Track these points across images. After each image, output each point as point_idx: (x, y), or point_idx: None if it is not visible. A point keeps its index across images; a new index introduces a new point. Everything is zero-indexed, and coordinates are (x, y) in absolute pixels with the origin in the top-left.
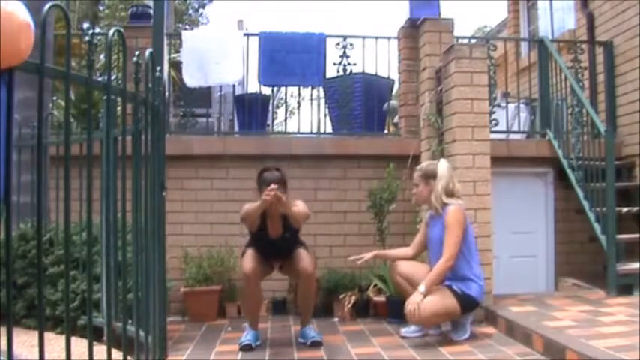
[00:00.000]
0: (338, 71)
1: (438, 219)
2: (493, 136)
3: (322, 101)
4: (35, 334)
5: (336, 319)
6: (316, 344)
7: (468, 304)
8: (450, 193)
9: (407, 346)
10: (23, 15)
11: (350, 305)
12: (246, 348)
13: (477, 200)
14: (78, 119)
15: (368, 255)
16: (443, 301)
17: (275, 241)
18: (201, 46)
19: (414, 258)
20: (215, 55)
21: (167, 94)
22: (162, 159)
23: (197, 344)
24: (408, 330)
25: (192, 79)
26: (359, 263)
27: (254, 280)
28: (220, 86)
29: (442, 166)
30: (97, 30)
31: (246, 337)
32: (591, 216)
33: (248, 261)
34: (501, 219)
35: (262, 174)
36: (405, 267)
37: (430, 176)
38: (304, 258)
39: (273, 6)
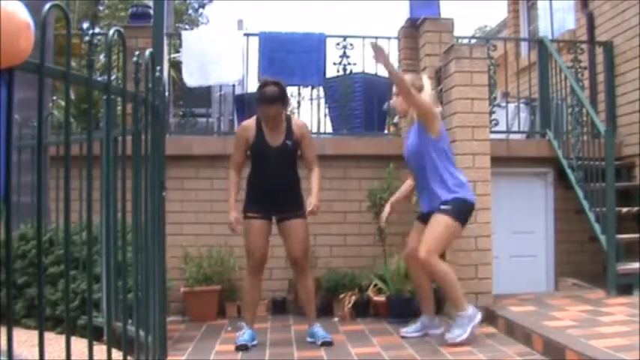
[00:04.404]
0: (338, 71)
1: (411, 128)
2: (493, 136)
3: (322, 101)
4: (35, 334)
5: (336, 319)
6: (327, 344)
7: (463, 209)
8: None
9: (407, 346)
10: (23, 15)
11: (350, 305)
12: (242, 348)
13: (477, 200)
14: (78, 119)
15: (386, 211)
16: (437, 228)
17: (276, 155)
18: (201, 46)
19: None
20: (215, 55)
21: (167, 94)
22: (162, 159)
23: (197, 344)
24: (408, 330)
25: (192, 79)
26: (385, 223)
27: (258, 273)
28: (220, 86)
29: (427, 82)
30: (97, 30)
31: (243, 336)
32: (591, 216)
33: (254, 246)
34: (501, 219)
35: (262, 88)
36: (413, 245)
37: (417, 89)
38: (300, 241)
39: (273, 6)
